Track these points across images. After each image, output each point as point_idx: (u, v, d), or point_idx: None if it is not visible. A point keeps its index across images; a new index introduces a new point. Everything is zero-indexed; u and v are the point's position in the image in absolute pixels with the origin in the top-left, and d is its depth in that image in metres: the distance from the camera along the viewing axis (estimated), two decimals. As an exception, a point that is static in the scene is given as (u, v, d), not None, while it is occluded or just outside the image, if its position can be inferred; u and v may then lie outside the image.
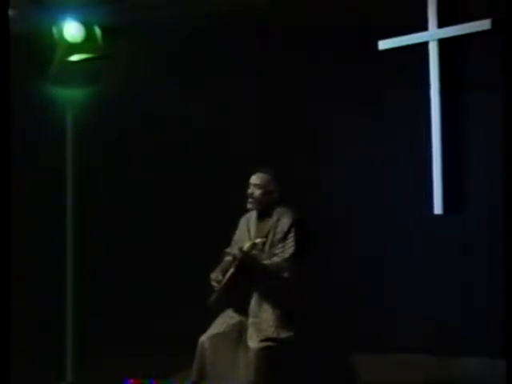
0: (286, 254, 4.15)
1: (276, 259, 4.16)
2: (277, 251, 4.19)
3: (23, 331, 4.85)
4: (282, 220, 4.24)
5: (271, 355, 3.97)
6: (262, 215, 4.31)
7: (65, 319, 5.60)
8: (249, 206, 4.32)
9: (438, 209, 4.55)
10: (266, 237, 4.23)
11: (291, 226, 4.20)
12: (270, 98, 5.61)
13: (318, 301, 4.24)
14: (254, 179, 4.30)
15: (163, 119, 5.72)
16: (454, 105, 4.46)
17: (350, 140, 5.67)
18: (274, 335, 4.04)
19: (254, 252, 4.16)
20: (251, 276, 4.17)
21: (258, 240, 4.19)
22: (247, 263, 4.12)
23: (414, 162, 5.11)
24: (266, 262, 4.16)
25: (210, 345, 4.15)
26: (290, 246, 4.17)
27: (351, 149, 5.70)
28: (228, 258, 4.28)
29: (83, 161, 5.69)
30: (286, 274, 4.10)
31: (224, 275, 4.20)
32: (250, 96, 5.63)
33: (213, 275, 4.26)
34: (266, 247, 4.22)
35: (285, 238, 4.19)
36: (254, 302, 4.20)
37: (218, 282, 4.20)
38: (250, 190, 4.29)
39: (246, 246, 4.17)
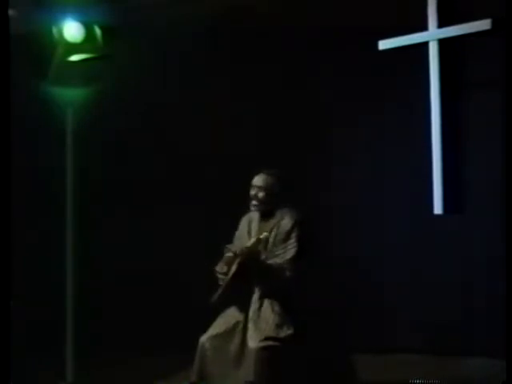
0: (288, 255, 4.15)
1: (278, 260, 4.16)
2: (278, 252, 4.19)
3: (23, 331, 4.84)
4: (284, 220, 4.23)
5: (271, 355, 3.97)
6: (265, 215, 4.31)
7: (65, 319, 5.60)
8: (253, 208, 4.30)
9: (437, 209, 4.54)
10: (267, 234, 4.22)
11: (293, 226, 4.19)
12: (269, 97, 5.62)
13: (317, 301, 4.24)
14: (258, 181, 4.27)
15: (163, 119, 5.72)
16: (454, 105, 4.44)
17: (350, 140, 5.69)
18: (274, 334, 4.04)
19: (258, 248, 4.16)
20: (252, 275, 4.17)
21: (263, 235, 4.18)
22: (250, 260, 4.11)
23: (414, 161, 5.11)
24: (268, 262, 4.16)
25: (210, 345, 4.14)
26: (292, 247, 4.16)
27: (351, 149, 5.71)
28: (229, 254, 4.26)
29: (83, 161, 5.69)
30: (287, 274, 4.09)
31: (228, 268, 4.18)
32: (249, 96, 5.63)
33: (217, 268, 4.25)
34: (269, 247, 4.21)
35: (287, 238, 4.19)
36: (254, 301, 4.20)
37: (224, 273, 4.18)
38: (253, 192, 4.27)
39: (251, 241, 4.16)
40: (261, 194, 4.25)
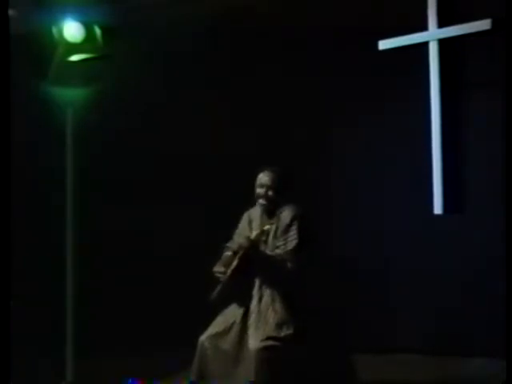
0: (289, 246, 4.14)
1: (279, 251, 4.16)
2: (279, 243, 4.18)
3: (23, 331, 4.84)
4: (284, 213, 4.23)
5: (272, 354, 3.97)
6: (267, 212, 4.30)
7: (65, 319, 5.60)
8: (261, 207, 4.28)
9: (437, 209, 4.55)
10: (271, 225, 4.22)
11: (293, 219, 4.18)
12: (269, 98, 5.62)
13: (318, 300, 4.24)
14: (266, 180, 4.26)
15: (163, 119, 5.72)
16: (454, 105, 4.45)
17: (350, 140, 5.69)
18: (275, 334, 4.04)
19: (261, 239, 4.17)
20: (253, 270, 4.17)
21: (266, 227, 4.18)
22: (252, 253, 4.11)
23: (413, 161, 5.11)
24: (269, 253, 4.17)
25: (209, 344, 4.14)
26: (292, 239, 4.15)
27: (351, 148, 5.71)
28: (228, 253, 4.25)
29: (83, 161, 5.69)
30: (289, 266, 4.09)
31: (226, 268, 4.17)
32: (249, 96, 5.63)
33: (215, 268, 4.24)
34: (269, 240, 4.22)
35: (287, 230, 4.19)
36: (254, 300, 4.19)
37: (223, 273, 4.17)
38: (261, 190, 4.25)
39: (254, 233, 4.16)
40: (270, 193, 4.24)
